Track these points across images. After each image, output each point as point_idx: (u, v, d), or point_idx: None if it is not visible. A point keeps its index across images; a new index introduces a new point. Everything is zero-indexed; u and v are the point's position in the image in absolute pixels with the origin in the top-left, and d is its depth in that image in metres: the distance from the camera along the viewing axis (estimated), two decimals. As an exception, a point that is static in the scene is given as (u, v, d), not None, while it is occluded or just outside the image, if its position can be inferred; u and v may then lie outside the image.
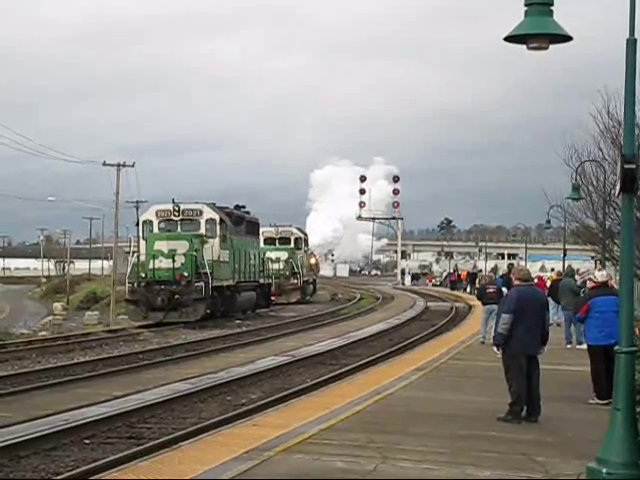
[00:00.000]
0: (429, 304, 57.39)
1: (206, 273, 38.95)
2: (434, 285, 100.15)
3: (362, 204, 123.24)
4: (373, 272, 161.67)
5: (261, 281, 49.85)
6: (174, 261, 38.71)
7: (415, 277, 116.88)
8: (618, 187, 9.03)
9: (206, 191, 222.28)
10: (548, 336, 13.44)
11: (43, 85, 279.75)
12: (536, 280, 34.31)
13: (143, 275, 39.25)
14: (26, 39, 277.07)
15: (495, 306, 25.44)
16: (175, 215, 41.76)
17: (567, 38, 9.33)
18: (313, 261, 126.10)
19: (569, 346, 24.19)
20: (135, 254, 40.91)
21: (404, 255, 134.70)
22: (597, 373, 15.07)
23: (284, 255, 60.31)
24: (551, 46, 9.44)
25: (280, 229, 63.86)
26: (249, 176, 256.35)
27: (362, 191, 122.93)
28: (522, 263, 73.30)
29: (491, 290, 26.16)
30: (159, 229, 41.81)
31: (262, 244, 56.60)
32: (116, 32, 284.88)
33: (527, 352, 13.08)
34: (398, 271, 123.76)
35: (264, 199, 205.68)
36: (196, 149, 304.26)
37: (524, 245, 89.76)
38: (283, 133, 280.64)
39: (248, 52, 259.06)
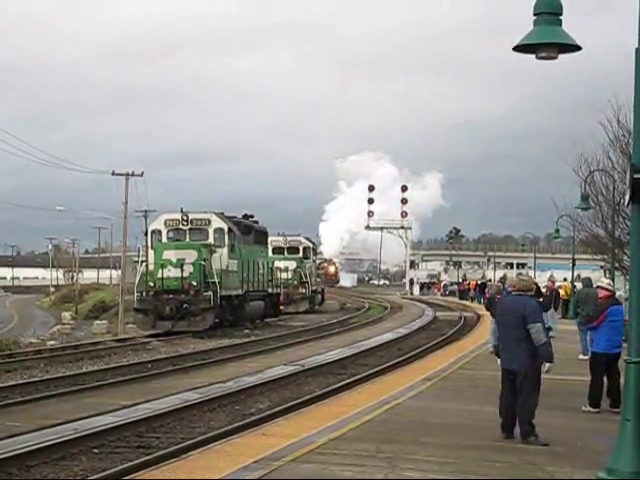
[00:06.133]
0: (438, 314, 57.35)
1: (214, 282, 38.95)
2: (442, 295, 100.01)
3: (370, 213, 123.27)
4: (382, 282, 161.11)
5: (269, 290, 49.84)
6: (182, 270, 38.73)
7: (424, 286, 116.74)
8: (628, 197, 8.99)
9: (221, 201, 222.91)
10: None
11: (64, 99, 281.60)
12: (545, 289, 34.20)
13: (152, 284, 39.27)
14: (47, 54, 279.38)
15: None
16: (184, 224, 41.81)
17: (576, 47, 9.32)
18: (332, 270, 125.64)
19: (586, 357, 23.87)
20: (144, 263, 40.95)
21: (413, 265, 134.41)
22: (597, 383, 15.09)
23: (292, 264, 60.30)
24: (562, 57, 9.42)
25: (289, 238, 63.95)
26: (265, 186, 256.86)
27: (370, 200, 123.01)
28: (530, 273, 73.22)
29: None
30: (168, 238, 41.85)
31: (270, 253, 56.64)
32: (141, 48, 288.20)
33: None
34: (407, 281, 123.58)
35: (279, 209, 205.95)
36: (213, 160, 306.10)
37: (533, 254, 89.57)
38: (299, 144, 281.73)
39: (267, 66, 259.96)
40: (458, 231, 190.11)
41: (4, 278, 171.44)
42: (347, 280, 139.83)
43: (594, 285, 24.10)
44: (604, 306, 15.46)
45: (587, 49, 9.52)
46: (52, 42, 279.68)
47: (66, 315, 69.74)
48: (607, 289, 15.69)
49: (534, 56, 9.51)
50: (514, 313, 12.27)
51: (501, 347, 12.58)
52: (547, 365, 12.48)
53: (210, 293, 38.74)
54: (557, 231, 52.88)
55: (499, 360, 13.02)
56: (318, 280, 70.79)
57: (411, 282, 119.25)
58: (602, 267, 56.97)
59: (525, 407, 12.26)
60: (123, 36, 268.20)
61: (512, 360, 12.29)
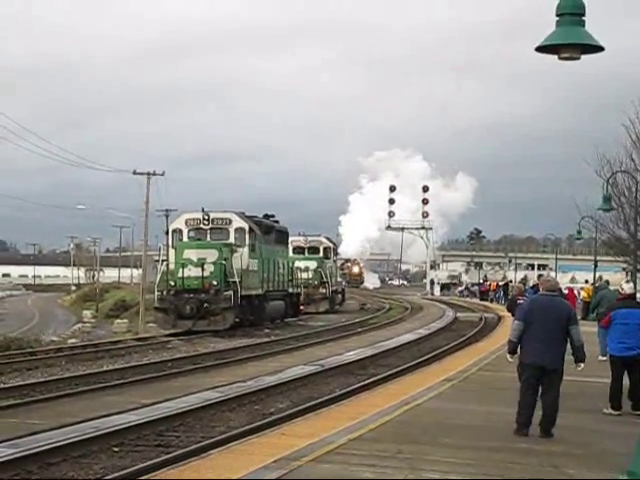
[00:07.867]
0: (458, 315, 57.22)
1: (235, 282, 39.02)
2: (461, 295, 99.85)
3: (391, 214, 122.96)
4: (400, 282, 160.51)
5: (290, 290, 49.88)
6: (203, 270, 38.80)
7: (444, 287, 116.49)
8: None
9: (242, 201, 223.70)
10: None
11: (84, 99, 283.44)
12: (566, 291, 34.10)
13: (172, 283, 39.36)
14: (68, 54, 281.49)
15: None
16: (205, 224, 41.90)
17: (599, 48, 9.25)
18: (357, 270, 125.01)
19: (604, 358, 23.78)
20: (164, 262, 41.06)
21: (434, 265, 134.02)
22: (615, 385, 15.05)
23: (313, 264, 60.33)
24: (586, 59, 9.36)
25: (309, 238, 63.97)
26: (286, 187, 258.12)
27: (391, 201, 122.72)
28: (552, 274, 72.98)
29: (522, 301, 25.94)
30: (188, 238, 41.96)
31: (291, 253, 56.66)
32: (166, 49, 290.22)
33: None
34: (427, 281, 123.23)
35: (300, 210, 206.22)
36: (234, 160, 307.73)
37: (554, 256, 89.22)
38: (322, 145, 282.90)
39: (291, 66, 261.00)
40: (479, 232, 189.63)
41: (25, 276, 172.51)
42: (372, 280, 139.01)
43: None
44: (611, 308, 15.51)
45: (613, 50, 9.44)
46: (75, 43, 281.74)
47: (87, 313, 70.04)
48: (619, 292, 15.75)
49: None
50: (558, 314, 12.45)
51: (535, 345, 12.47)
52: (582, 365, 12.68)
53: (230, 292, 38.80)
54: (579, 232, 52.70)
55: (510, 356, 13.03)
56: (339, 280, 70.69)
57: (432, 283, 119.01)
58: (624, 269, 56.75)
59: (556, 405, 12.48)
60: (147, 37, 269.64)
61: (551, 359, 12.38)
